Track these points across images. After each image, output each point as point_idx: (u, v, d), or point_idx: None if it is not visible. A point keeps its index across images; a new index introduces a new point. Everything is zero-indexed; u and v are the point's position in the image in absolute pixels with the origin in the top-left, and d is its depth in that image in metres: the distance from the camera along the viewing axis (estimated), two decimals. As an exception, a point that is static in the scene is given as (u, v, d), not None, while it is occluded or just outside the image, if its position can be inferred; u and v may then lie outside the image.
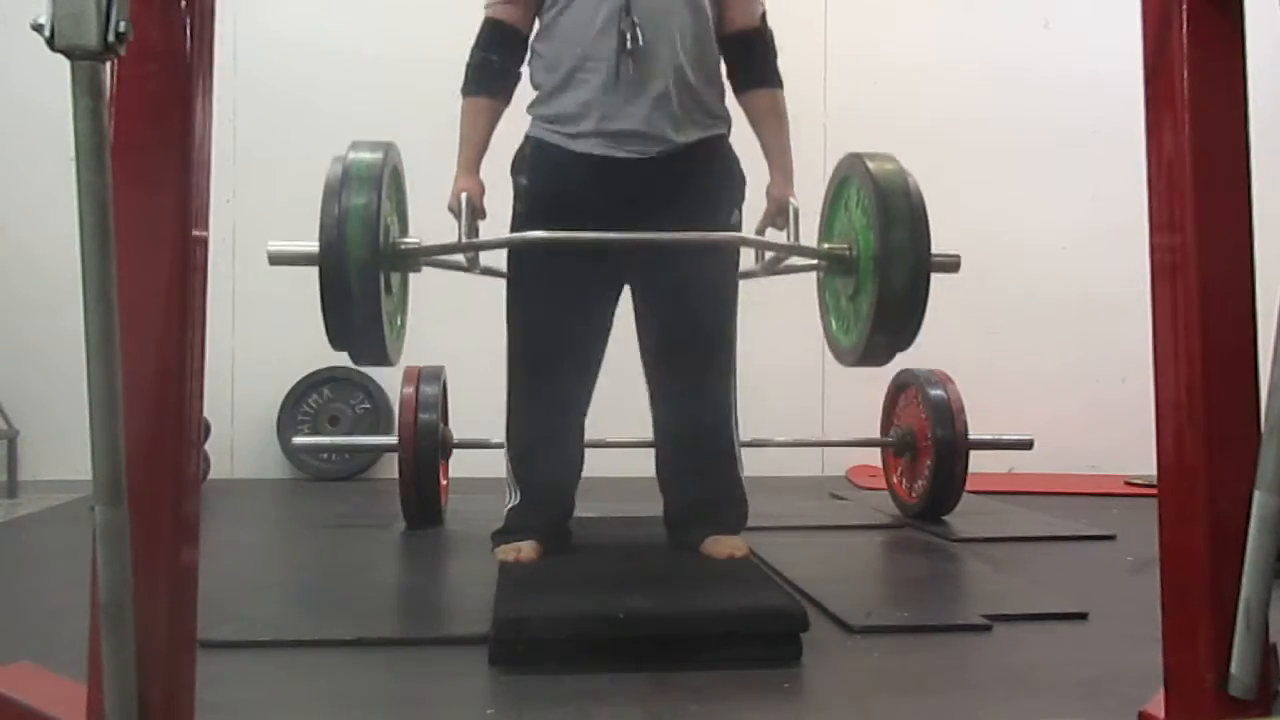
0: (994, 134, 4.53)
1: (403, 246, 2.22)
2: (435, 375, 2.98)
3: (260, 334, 4.19)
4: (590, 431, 2.61)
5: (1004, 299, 4.51)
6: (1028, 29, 4.60)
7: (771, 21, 2.44)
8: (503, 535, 2.43)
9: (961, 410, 3.07)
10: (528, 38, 2.40)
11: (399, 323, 2.26)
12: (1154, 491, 1.29)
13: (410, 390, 2.91)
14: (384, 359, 2.13)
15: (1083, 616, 2.07)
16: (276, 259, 2.13)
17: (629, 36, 2.23)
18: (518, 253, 2.38)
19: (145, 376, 1.08)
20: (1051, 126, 4.55)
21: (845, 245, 2.22)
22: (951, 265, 2.33)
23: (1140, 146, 1.26)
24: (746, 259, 2.53)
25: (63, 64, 0.91)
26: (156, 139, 1.10)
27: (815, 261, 2.48)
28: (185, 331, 1.11)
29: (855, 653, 1.85)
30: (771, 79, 2.44)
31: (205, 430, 2.88)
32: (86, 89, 0.91)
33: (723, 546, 2.35)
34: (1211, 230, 1.19)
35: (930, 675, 1.79)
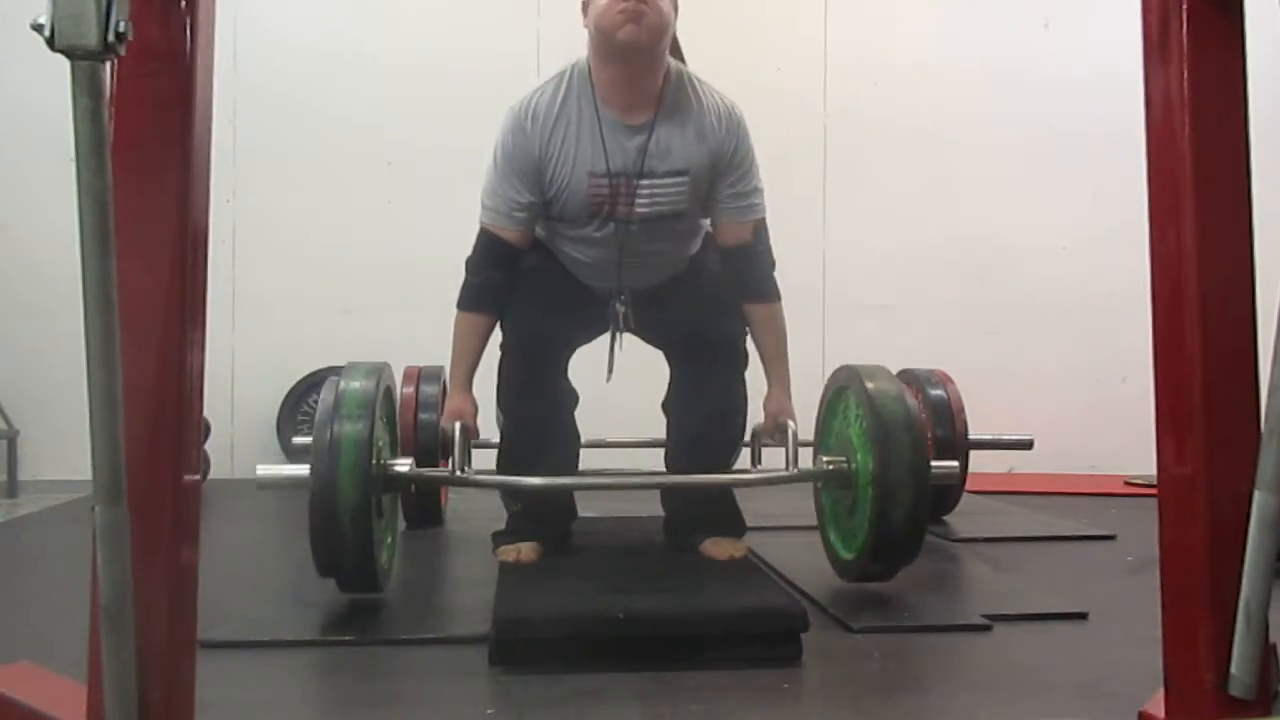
0: (994, 134, 4.53)
1: (394, 470, 2.11)
2: (435, 375, 2.98)
3: (260, 334, 4.20)
4: (590, 432, 2.61)
5: (1004, 299, 4.51)
6: (1028, 29, 4.60)
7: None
8: (503, 536, 2.44)
9: (961, 410, 3.07)
10: (526, 249, 2.39)
11: (389, 540, 2.22)
12: (1154, 491, 1.29)
13: (410, 390, 2.91)
14: (374, 587, 2.04)
15: (1083, 616, 2.07)
16: (265, 484, 2.07)
17: (620, 319, 2.41)
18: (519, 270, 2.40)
19: (145, 376, 1.08)
20: (1051, 126, 4.54)
21: (842, 459, 2.21)
22: (951, 478, 2.34)
23: (1140, 146, 1.25)
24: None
25: (63, 64, 0.91)
26: (156, 139, 1.10)
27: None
28: (185, 331, 1.11)
29: (855, 653, 1.84)
30: (767, 293, 2.41)
31: (205, 430, 2.88)
32: (86, 89, 0.91)
33: (722, 547, 2.35)
34: (1211, 230, 1.19)
35: (930, 675, 1.79)
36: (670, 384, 2.52)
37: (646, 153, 2.25)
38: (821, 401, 2.42)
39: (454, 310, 2.39)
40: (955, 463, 2.44)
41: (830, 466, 2.22)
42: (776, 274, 2.42)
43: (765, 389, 2.44)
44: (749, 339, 2.43)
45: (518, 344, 2.36)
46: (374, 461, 1.98)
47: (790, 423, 2.35)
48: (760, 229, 2.38)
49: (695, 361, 2.42)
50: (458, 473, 2.25)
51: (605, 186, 2.27)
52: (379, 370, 2.11)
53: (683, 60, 2.38)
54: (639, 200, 2.28)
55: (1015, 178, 4.55)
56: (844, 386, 2.29)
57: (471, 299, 2.37)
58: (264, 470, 2.08)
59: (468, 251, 2.40)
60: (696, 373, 2.43)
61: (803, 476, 2.30)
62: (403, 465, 2.13)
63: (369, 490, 1.94)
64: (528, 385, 2.39)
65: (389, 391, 2.22)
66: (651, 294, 2.43)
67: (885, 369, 2.29)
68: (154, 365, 1.09)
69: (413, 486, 2.18)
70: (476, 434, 2.44)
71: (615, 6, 2.13)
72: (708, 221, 2.45)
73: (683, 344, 2.44)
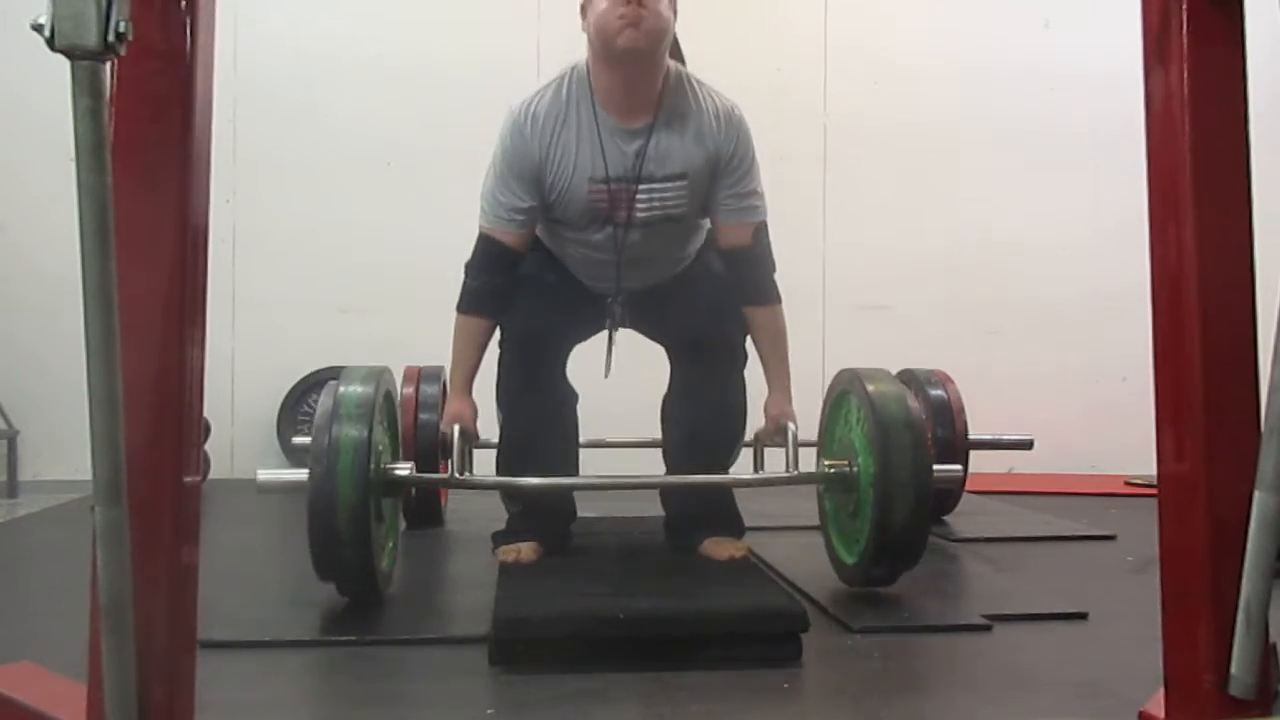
0: (994, 134, 4.54)
1: (394, 474, 2.10)
2: (435, 375, 2.98)
3: (260, 334, 4.19)
4: (590, 432, 2.61)
5: (1004, 299, 4.51)
6: (1028, 28, 4.60)
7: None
8: (503, 536, 2.44)
9: (961, 410, 3.07)
10: (526, 250, 2.39)
11: (390, 545, 2.22)
12: (1154, 491, 1.28)
13: (410, 390, 2.91)
14: (374, 593, 2.03)
15: (1083, 616, 2.07)
16: (265, 488, 2.07)
17: (618, 320, 2.44)
18: (511, 323, 2.40)
19: (145, 376, 1.08)
20: (1051, 126, 4.55)
21: (844, 462, 2.21)
22: (953, 482, 2.33)
23: (1140, 146, 1.25)
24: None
25: (62, 64, 0.91)
26: (156, 139, 1.10)
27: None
28: (185, 331, 1.11)
29: (855, 653, 1.84)
30: (767, 296, 2.40)
31: (205, 430, 2.88)
32: (86, 89, 0.91)
33: (722, 548, 2.35)
34: (1211, 230, 1.19)
35: (930, 675, 1.79)
36: (670, 382, 2.52)
37: (645, 157, 2.25)
38: (824, 405, 2.41)
39: (454, 310, 2.39)
40: (958, 466, 2.43)
41: (832, 470, 2.22)
42: (776, 275, 2.42)
43: (766, 391, 2.44)
44: (748, 339, 2.43)
45: (515, 341, 2.37)
46: (374, 466, 1.98)
47: (790, 425, 2.34)
48: (761, 232, 2.37)
49: (694, 360, 2.42)
50: (457, 475, 2.25)
51: (604, 191, 2.27)
52: (378, 374, 2.11)
53: (682, 61, 2.38)
54: (638, 205, 2.28)
55: (1015, 178, 4.55)
56: (846, 390, 2.28)
57: (471, 303, 2.37)
58: (264, 475, 2.08)
59: (467, 252, 2.40)
60: (695, 372, 2.43)
61: (804, 479, 2.30)
62: (403, 469, 2.12)
63: (368, 495, 1.94)
64: (526, 382, 2.39)
65: (389, 395, 2.22)
66: (650, 293, 2.43)
67: (887, 372, 2.28)
68: (154, 365, 1.09)
69: (413, 490, 2.17)
70: (476, 437, 2.44)
71: (614, 11, 2.13)
72: (708, 221, 2.45)
73: (682, 343, 2.44)
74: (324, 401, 2.03)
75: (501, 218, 2.31)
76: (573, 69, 2.30)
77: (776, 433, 2.40)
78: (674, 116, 2.27)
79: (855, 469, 2.16)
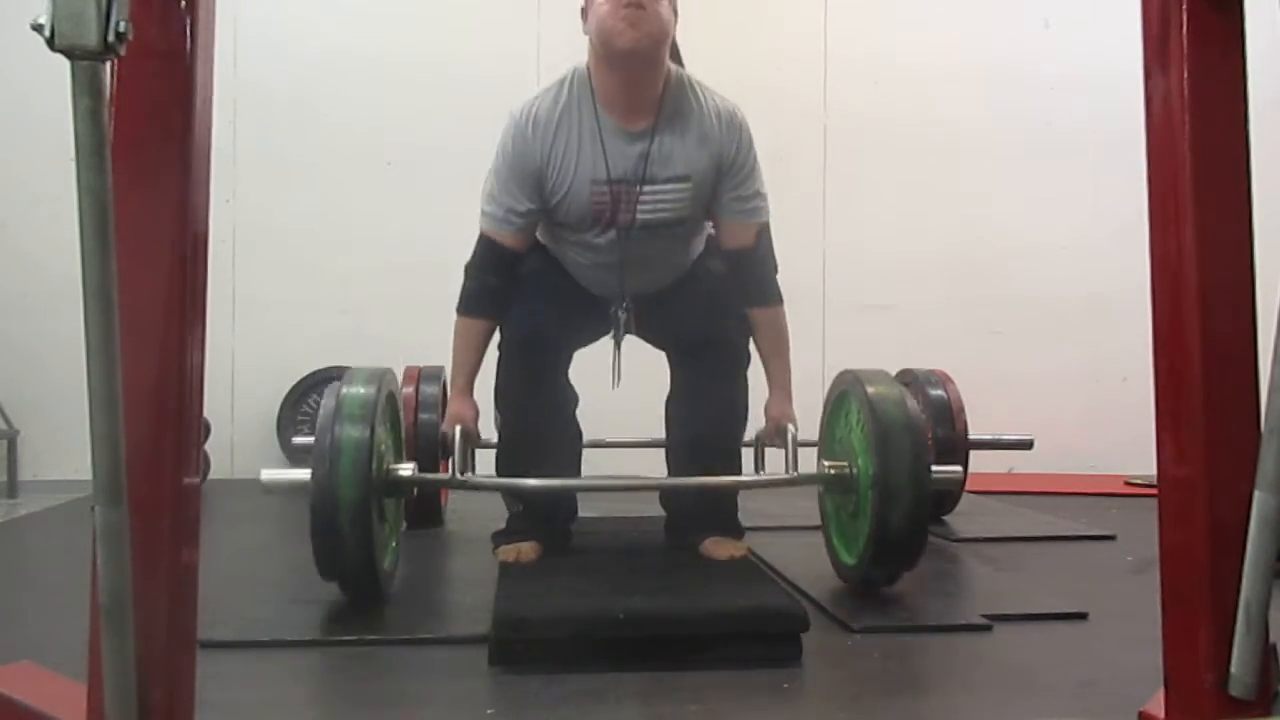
0: (994, 134, 4.54)
1: (397, 475, 2.11)
2: (435, 375, 2.98)
3: (260, 334, 4.19)
4: (591, 432, 2.61)
5: (1004, 299, 4.51)
6: (1028, 28, 4.60)
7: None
8: (503, 536, 2.44)
9: (961, 410, 3.07)
10: (525, 254, 2.39)
11: (393, 545, 2.22)
12: (1154, 491, 1.28)
13: (410, 390, 2.91)
14: (376, 592, 2.03)
15: (1083, 616, 2.07)
16: (270, 488, 2.07)
17: (623, 326, 2.42)
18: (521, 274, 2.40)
19: (145, 376, 1.08)
20: (1051, 126, 4.55)
21: (844, 464, 2.21)
22: (953, 483, 2.33)
23: (1140, 146, 1.25)
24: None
25: (62, 64, 0.91)
26: (156, 139, 1.10)
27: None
28: (185, 331, 1.11)
29: (855, 653, 1.85)
30: (770, 297, 2.40)
31: (205, 430, 2.88)
32: (86, 89, 0.91)
33: (723, 547, 2.35)
34: (1211, 230, 1.19)
35: (930, 675, 1.79)
36: (672, 385, 2.52)
37: (648, 159, 2.25)
38: (824, 406, 2.42)
39: (454, 309, 2.39)
40: (957, 468, 2.43)
41: (832, 471, 2.23)
42: (778, 276, 2.42)
43: (767, 393, 2.44)
44: (750, 340, 2.43)
45: (516, 344, 2.36)
46: (376, 466, 1.98)
47: (790, 426, 2.34)
48: (763, 233, 2.38)
49: (696, 363, 2.42)
50: (459, 476, 2.24)
51: (606, 194, 2.27)
52: (381, 375, 2.11)
53: (681, 64, 2.38)
54: (641, 207, 2.28)
55: (1015, 177, 4.55)
56: (846, 391, 2.29)
57: (470, 304, 2.37)
58: (268, 475, 2.09)
59: (467, 251, 2.40)
60: (698, 374, 2.43)
61: (804, 480, 2.30)
62: (405, 469, 2.12)
63: (370, 495, 1.94)
64: (526, 385, 2.39)
65: (392, 396, 2.22)
66: (654, 298, 2.43)
67: (887, 374, 2.29)
68: (154, 365, 1.09)
69: (415, 490, 2.17)
70: (478, 438, 2.44)
71: (615, 13, 2.13)
72: (709, 225, 2.45)
73: (684, 346, 2.44)
74: (327, 402, 2.03)
75: (501, 220, 2.31)
76: (574, 71, 2.30)
77: (776, 434, 2.40)
78: (676, 118, 2.27)
79: (855, 470, 2.16)
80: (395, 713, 1.59)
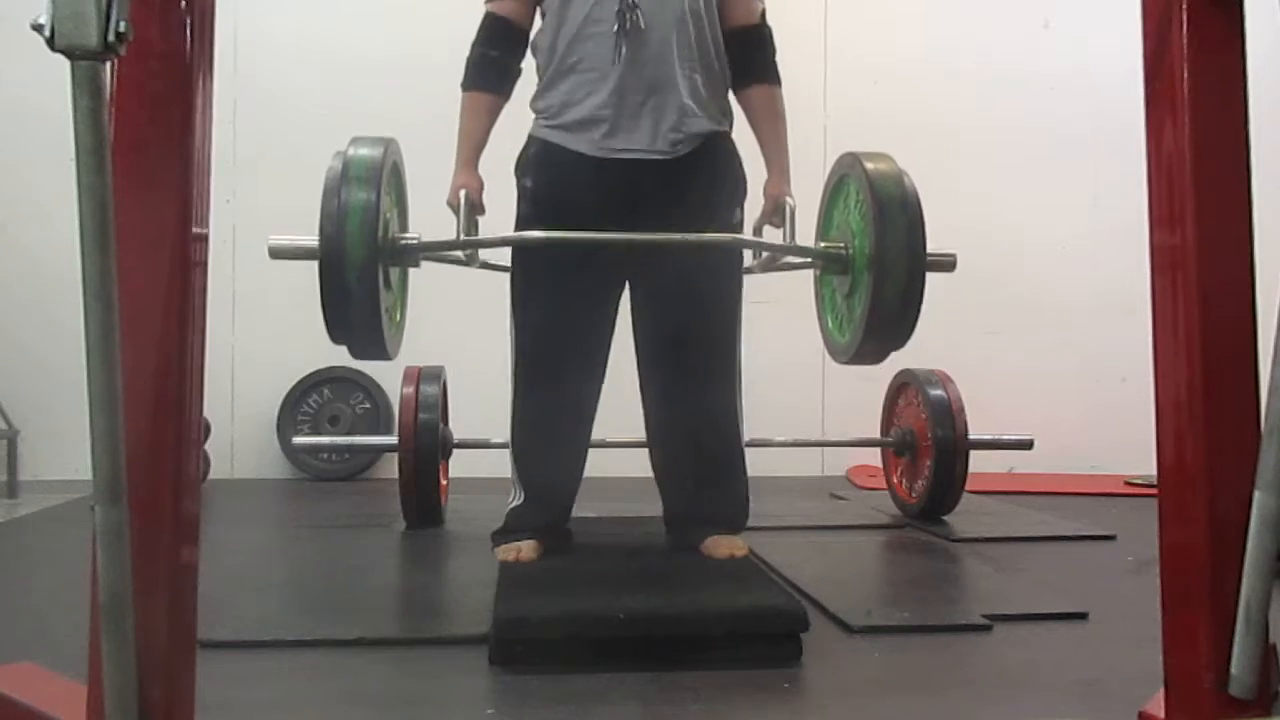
0: (994, 134, 4.54)
1: (402, 242, 2.21)
2: (435, 375, 2.98)
3: (260, 334, 4.20)
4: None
5: (1004, 299, 4.51)
6: (1028, 29, 4.60)
7: (772, 22, 2.44)
8: (503, 535, 2.43)
9: (961, 410, 3.07)
10: (528, 32, 2.40)
11: (398, 317, 2.27)
12: (1154, 491, 1.29)
13: (410, 390, 2.91)
14: (383, 353, 2.14)
15: (1083, 616, 2.07)
16: (277, 253, 2.14)
17: (629, 19, 2.24)
18: (520, 252, 2.38)
19: (145, 376, 1.08)
20: (1051, 126, 4.55)
21: (841, 245, 2.22)
22: (947, 265, 2.33)
23: (1140, 146, 1.26)
24: (745, 256, 2.53)
25: (63, 64, 0.91)
26: (156, 139, 1.10)
27: (811, 260, 2.48)
28: (185, 331, 1.11)
29: (855, 653, 1.85)
30: (770, 75, 2.44)
31: (205, 430, 2.88)
32: (86, 89, 0.91)
33: (723, 546, 2.35)
34: (1211, 230, 1.19)
35: (930, 675, 1.79)
36: (661, 377, 2.43)
37: None
38: (824, 190, 2.43)
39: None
40: (953, 252, 2.39)
41: (829, 249, 2.23)
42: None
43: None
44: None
45: (528, 361, 2.36)
46: (382, 233, 2.04)
47: (789, 199, 2.37)
48: (764, 17, 2.41)
49: (682, 366, 2.37)
50: (461, 236, 2.30)
51: None
52: (386, 143, 2.17)
53: None
54: None
55: (1015, 177, 4.55)
56: (846, 174, 2.30)
57: (473, 77, 2.40)
58: (275, 240, 2.16)
59: (467, 251, 2.39)
60: (691, 364, 2.38)
61: (801, 252, 2.32)
62: (410, 239, 2.20)
63: (377, 257, 2.01)
64: (542, 390, 2.38)
65: (396, 166, 2.29)
66: (659, 265, 2.35)
67: (888, 155, 2.30)
68: (154, 365, 1.09)
69: (420, 258, 2.28)
70: (482, 209, 2.43)
71: None
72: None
73: (673, 335, 2.38)
74: (333, 165, 2.11)
75: None
76: None
77: (775, 212, 2.42)
78: None
79: (851, 250, 2.17)
80: (395, 713, 1.59)
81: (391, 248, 2.13)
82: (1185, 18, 1.18)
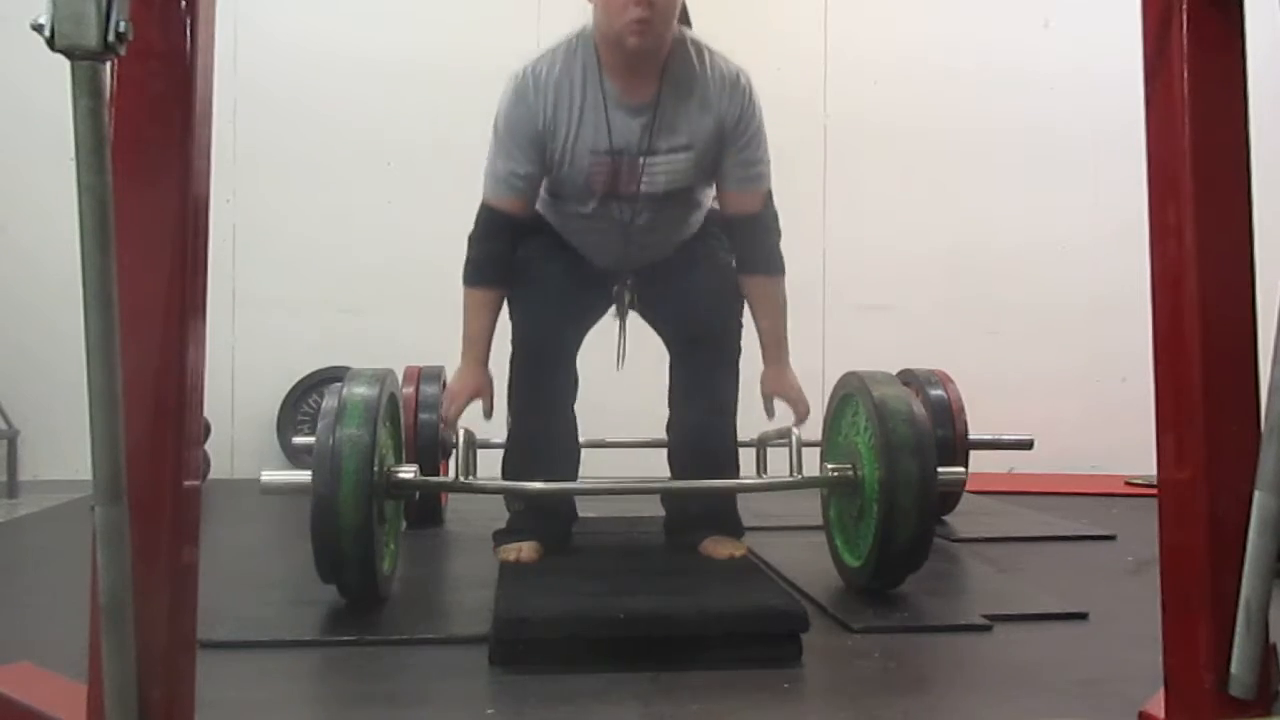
0: (994, 134, 4.54)
1: (398, 477, 2.09)
2: (435, 375, 2.98)
3: (260, 334, 4.20)
4: (590, 432, 2.61)
5: (1004, 299, 4.51)
6: (1027, 29, 4.60)
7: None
8: (504, 535, 2.44)
9: (962, 410, 3.07)
10: (530, 217, 2.37)
11: (392, 547, 2.21)
12: (1154, 491, 1.29)
13: (410, 390, 2.91)
14: (376, 594, 2.02)
15: (1083, 616, 2.07)
16: (268, 489, 2.06)
17: (626, 303, 2.40)
18: (520, 261, 2.39)
19: (145, 376, 1.08)
20: (1051, 126, 4.55)
21: (848, 466, 2.20)
22: (957, 485, 2.31)
23: (1140, 146, 1.25)
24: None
25: (63, 64, 0.91)
26: (156, 139, 1.10)
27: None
28: (185, 331, 1.11)
29: (855, 653, 1.84)
30: (771, 266, 2.37)
31: (205, 430, 2.88)
32: (86, 89, 0.91)
33: (722, 547, 2.35)
34: (1211, 231, 1.19)
35: (930, 675, 1.79)
36: (671, 379, 2.49)
37: (651, 131, 2.22)
38: (827, 407, 2.41)
39: (454, 309, 2.39)
40: (961, 469, 2.42)
41: (836, 474, 2.22)
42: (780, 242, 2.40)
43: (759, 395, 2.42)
44: (744, 340, 2.42)
45: (526, 350, 2.36)
46: (377, 468, 1.98)
47: (795, 430, 2.33)
48: (767, 200, 2.34)
49: (692, 357, 2.41)
50: (461, 479, 2.23)
51: (607, 164, 2.24)
52: (383, 377, 2.11)
53: (689, 24, 2.34)
54: (642, 178, 2.25)
55: (1015, 178, 4.55)
56: (850, 394, 2.28)
57: (474, 274, 2.35)
58: (268, 476, 2.08)
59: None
60: (692, 367, 2.41)
61: (808, 483, 2.29)
62: (406, 472, 2.11)
63: (371, 498, 1.94)
64: (538, 387, 2.38)
65: (393, 398, 2.21)
66: (656, 274, 2.40)
67: (891, 376, 2.28)
68: (154, 365, 1.09)
69: (416, 493, 2.16)
70: (491, 409, 2.39)
71: (624, 14, 2.10)
72: (712, 192, 2.41)
73: (682, 335, 2.42)
74: (328, 403, 2.02)
75: (502, 182, 2.29)
76: (579, 35, 2.25)
77: (783, 394, 2.38)
78: (680, 86, 2.23)
79: (860, 474, 2.15)
80: (395, 713, 1.59)
81: (386, 483, 2.03)
82: (1185, 18, 1.18)
